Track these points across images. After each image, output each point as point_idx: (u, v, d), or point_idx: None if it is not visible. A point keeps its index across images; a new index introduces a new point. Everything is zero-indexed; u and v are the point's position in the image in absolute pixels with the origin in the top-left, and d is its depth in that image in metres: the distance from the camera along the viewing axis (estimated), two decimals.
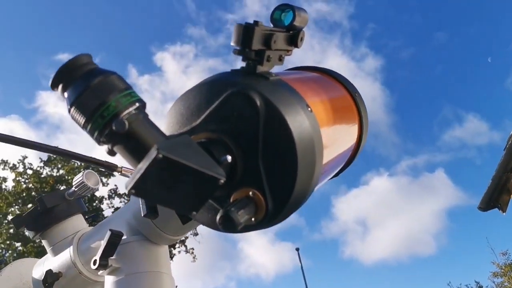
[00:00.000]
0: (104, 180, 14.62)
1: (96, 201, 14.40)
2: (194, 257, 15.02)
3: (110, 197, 14.73)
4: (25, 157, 14.02)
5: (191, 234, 15.06)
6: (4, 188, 13.65)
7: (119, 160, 0.94)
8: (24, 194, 13.39)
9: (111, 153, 0.50)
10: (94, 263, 0.81)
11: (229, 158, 0.52)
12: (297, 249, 17.21)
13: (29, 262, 1.10)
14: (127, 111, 0.48)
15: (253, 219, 0.52)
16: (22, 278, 1.07)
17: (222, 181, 0.48)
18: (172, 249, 14.55)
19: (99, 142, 0.49)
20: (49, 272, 0.93)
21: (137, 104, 0.49)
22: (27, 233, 1.01)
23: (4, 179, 13.74)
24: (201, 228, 15.38)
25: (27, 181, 13.83)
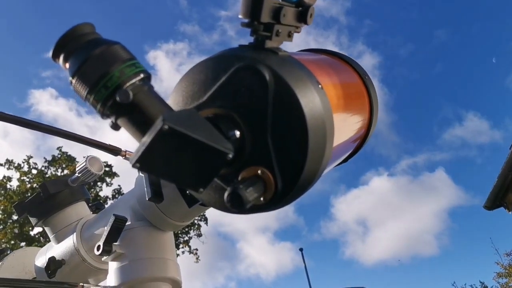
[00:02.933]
0: (108, 180, 14.67)
1: (100, 201, 14.42)
2: (197, 258, 15.03)
3: (114, 197, 14.76)
4: (30, 157, 14.10)
5: (194, 235, 15.09)
6: (9, 188, 13.71)
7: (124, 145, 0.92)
8: (28, 194, 13.43)
9: (115, 126, 0.48)
10: (98, 249, 0.80)
11: (237, 133, 0.51)
12: (301, 250, 17.17)
13: (31, 251, 1.08)
14: (131, 82, 0.46)
15: (261, 198, 0.51)
16: (25, 267, 1.05)
17: (230, 156, 0.47)
18: (175, 249, 14.57)
19: (102, 115, 0.47)
20: (52, 259, 0.92)
21: (141, 75, 0.48)
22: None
23: (9, 179, 13.81)
24: (204, 229, 15.40)
25: (31, 180, 13.88)
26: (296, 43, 0.58)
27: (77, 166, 0.95)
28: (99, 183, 14.61)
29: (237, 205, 0.47)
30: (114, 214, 0.81)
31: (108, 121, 0.48)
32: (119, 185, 14.89)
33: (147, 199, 0.74)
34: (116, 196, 14.73)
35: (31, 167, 14.04)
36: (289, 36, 0.57)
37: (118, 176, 14.85)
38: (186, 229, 14.65)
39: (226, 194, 0.47)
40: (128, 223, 0.83)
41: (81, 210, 1.01)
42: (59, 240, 0.97)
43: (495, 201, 6.37)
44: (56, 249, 0.96)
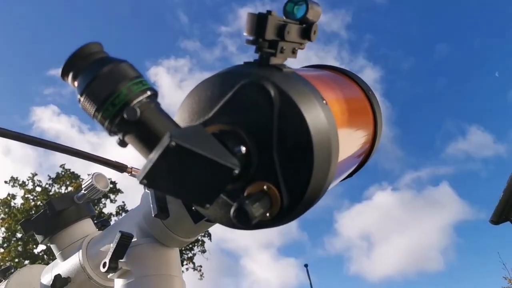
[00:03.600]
0: (112, 196, 14.65)
1: (104, 218, 14.37)
2: (201, 275, 14.91)
3: (118, 213, 14.72)
4: (34, 174, 14.12)
5: (199, 251, 14.99)
6: (13, 206, 13.70)
7: (130, 161, 0.93)
8: (32, 212, 13.41)
9: (122, 143, 0.48)
10: (104, 266, 0.79)
11: (243, 149, 0.51)
12: (306, 266, 17.06)
13: (36, 269, 1.08)
14: (138, 99, 0.47)
15: (267, 214, 0.51)
16: (30, 285, 1.05)
17: (236, 171, 0.47)
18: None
19: (110, 132, 0.48)
20: (57, 277, 0.92)
21: (148, 93, 0.48)
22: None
23: (13, 196, 13.79)
24: (208, 245, 15.30)
25: (35, 198, 13.88)
26: (298, 58, 0.59)
27: (83, 183, 0.96)
28: (103, 200, 14.59)
29: (243, 221, 0.47)
30: (120, 231, 0.81)
31: (114, 138, 0.49)
32: (123, 202, 14.87)
33: (153, 215, 0.74)
34: (120, 212, 14.70)
35: (36, 184, 14.06)
36: (293, 52, 0.57)
37: (122, 192, 14.85)
38: (190, 246, 14.57)
39: (232, 210, 0.47)
40: (134, 239, 0.83)
41: (87, 227, 1.01)
42: (65, 257, 0.97)
43: (501, 216, 6.32)
44: (62, 266, 0.96)
